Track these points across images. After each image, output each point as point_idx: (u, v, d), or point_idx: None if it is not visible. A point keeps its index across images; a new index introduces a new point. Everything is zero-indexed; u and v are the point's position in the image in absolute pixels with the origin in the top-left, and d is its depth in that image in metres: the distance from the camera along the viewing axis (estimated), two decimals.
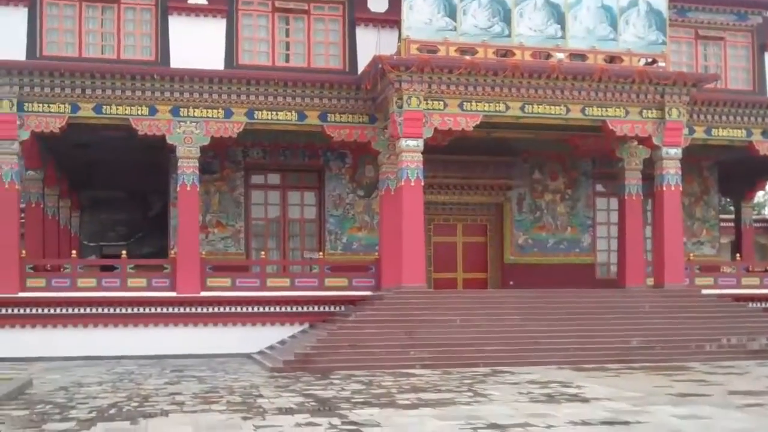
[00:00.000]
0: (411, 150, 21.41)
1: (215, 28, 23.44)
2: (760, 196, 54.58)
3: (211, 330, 22.30)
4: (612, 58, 22.67)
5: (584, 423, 10.70)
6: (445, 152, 24.28)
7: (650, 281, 24.08)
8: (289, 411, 11.89)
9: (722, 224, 31.08)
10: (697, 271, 25.30)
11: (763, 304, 24.97)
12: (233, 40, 23.54)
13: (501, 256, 26.62)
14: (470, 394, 13.68)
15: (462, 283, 26.22)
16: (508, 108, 22.04)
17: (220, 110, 22.21)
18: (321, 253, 24.28)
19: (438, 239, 26.27)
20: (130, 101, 21.72)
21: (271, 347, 21.68)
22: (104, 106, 21.62)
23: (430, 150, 22.22)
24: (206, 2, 23.49)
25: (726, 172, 29.69)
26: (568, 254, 27.03)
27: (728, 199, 37.00)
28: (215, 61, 23.21)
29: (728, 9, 26.38)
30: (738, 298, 24.24)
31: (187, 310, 22.15)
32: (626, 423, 10.68)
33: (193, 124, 22.07)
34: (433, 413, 11.59)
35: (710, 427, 10.36)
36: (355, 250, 25.17)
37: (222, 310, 22.36)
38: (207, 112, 22.18)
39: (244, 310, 22.45)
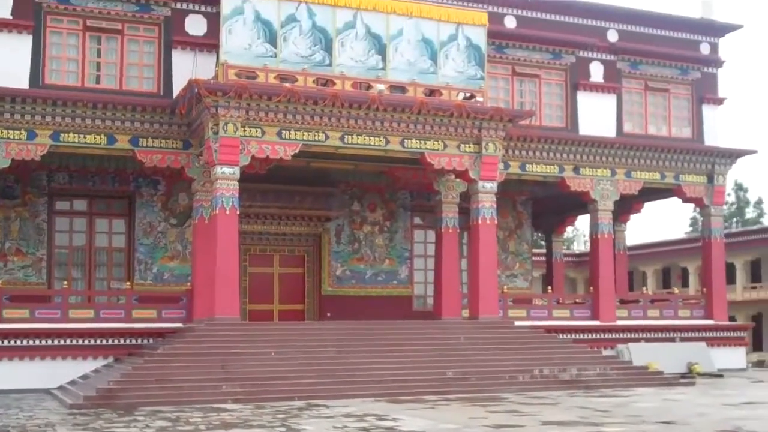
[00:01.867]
0: (226, 178, 20.98)
1: (20, 45, 22.17)
2: (569, 231, 56.96)
3: (6, 364, 20.98)
4: (432, 92, 22.93)
5: None
6: (263, 181, 24.07)
7: (466, 313, 24.31)
8: None
9: (534, 258, 31.91)
10: (511, 303, 25.69)
11: (573, 336, 25.58)
12: (39, 58, 22.33)
13: (319, 288, 26.51)
14: (283, 429, 13.22)
15: (278, 314, 25.94)
16: (327, 137, 21.95)
17: (22, 131, 21.18)
18: (129, 283, 23.44)
19: (254, 270, 25.94)
20: None
21: (72, 382, 20.56)
22: None
23: (246, 178, 21.89)
24: (10, 17, 22.18)
25: (539, 207, 30.60)
26: (386, 286, 27.15)
27: (540, 234, 38.11)
28: (19, 80, 21.93)
29: (544, 47, 27.17)
30: (549, 330, 24.72)
31: None
32: None
33: None
34: None
35: None
36: (167, 281, 24.49)
37: (19, 343, 21.10)
38: (8, 133, 21.10)
39: (44, 342, 21.29)
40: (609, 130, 27.71)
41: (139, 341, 21.87)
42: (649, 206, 32.33)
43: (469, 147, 23.20)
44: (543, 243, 37.52)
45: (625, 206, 29.82)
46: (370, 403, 17.13)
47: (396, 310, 25.93)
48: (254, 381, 18.46)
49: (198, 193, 22.46)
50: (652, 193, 28.81)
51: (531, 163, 25.68)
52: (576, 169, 26.10)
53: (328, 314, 25.80)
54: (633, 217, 32.10)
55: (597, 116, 27.71)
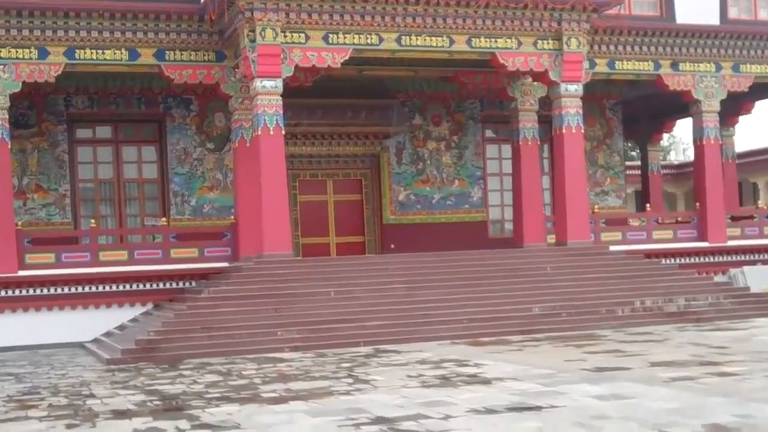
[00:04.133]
0: (268, 92, 20.83)
1: None
2: (666, 139, 55.95)
3: (34, 316, 21.21)
4: None
5: (488, 411, 10.16)
6: (309, 95, 24.01)
7: (551, 239, 24.18)
8: (125, 414, 11.00)
9: (627, 172, 31.69)
10: (603, 225, 25.52)
11: (678, 260, 25.26)
12: None
13: (380, 216, 26.54)
14: (350, 380, 13.08)
15: (335, 248, 26.06)
16: (382, 40, 21.71)
17: (32, 49, 21.02)
18: (165, 219, 23.57)
19: (305, 198, 26.02)
20: None
21: (107, 334, 20.76)
22: None
23: (291, 93, 21.74)
24: None
25: (631, 111, 30.31)
26: (457, 211, 27.14)
27: (633, 143, 37.54)
28: None
29: None
30: (649, 254, 24.53)
31: (2, 293, 20.85)
32: (538, 408, 10.19)
33: (0, 66, 20.72)
34: (305, 407, 10.89)
35: (636, 409, 9.93)
36: (207, 215, 24.73)
37: (46, 291, 21.30)
38: (16, 52, 20.94)
39: (74, 290, 21.47)
40: (712, 17, 26.79)
41: (181, 284, 22.02)
42: (760, 105, 31.57)
43: (548, 43, 22.90)
44: (636, 154, 36.98)
45: (733, 106, 29.11)
46: (447, 347, 16.97)
47: (470, 238, 25.86)
48: (313, 325, 18.46)
49: (236, 112, 22.36)
50: (764, 90, 28.07)
51: (621, 59, 25.19)
52: (674, 65, 25.53)
53: (392, 246, 25.88)
54: (742, 119, 31.44)
55: (697, 1, 26.80)
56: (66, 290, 21.38)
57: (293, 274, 20.35)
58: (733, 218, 27.34)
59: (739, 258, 26.00)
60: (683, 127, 77.08)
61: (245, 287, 19.74)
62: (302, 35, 21.08)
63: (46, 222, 23.49)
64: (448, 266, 21.56)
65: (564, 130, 23.30)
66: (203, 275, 21.93)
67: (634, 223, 26.86)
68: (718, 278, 24.97)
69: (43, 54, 21.00)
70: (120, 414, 11.02)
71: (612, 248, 23.84)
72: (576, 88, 23.27)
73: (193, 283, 21.91)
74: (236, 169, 22.88)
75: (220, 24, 21.61)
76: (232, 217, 23.11)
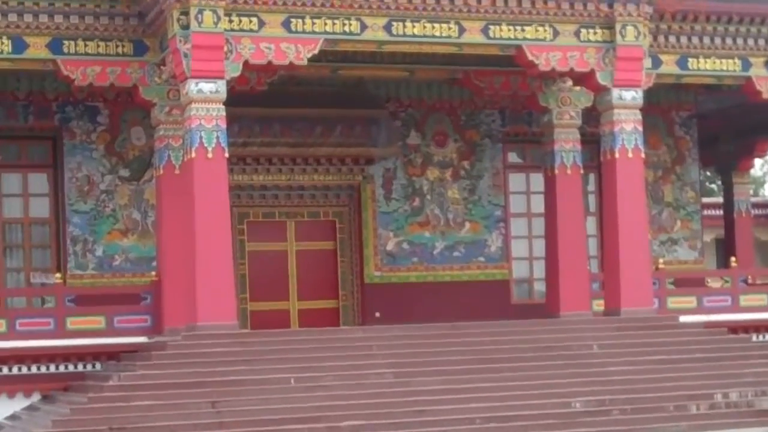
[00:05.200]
0: (206, 99, 20.81)
1: None
2: (759, 166, 56.06)
3: None
4: None
5: None
6: (264, 103, 24.20)
7: (599, 305, 24.22)
8: None
9: (705, 211, 31.56)
10: (671, 286, 25.59)
11: None
12: None
13: (360, 273, 26.68)
14: None
15: (298, 317, 26.21)
16: (365, 28, 21.81)
17: None
18: (59, 276, 23.54)
19: (256, 247, 26.17)
20: None
21: None
22: None
23: (238, 100, 21.91)
24: None
25: (710, 128, 30.43)
26: (468, 265, 27.28)
27: (712, 172, 37.59)
28: None
29: None
30: (735, 328, 24.48)
31: None
32: None
33: None
34: None
35: None
36: (119, 269, 24.84)
37: None
38: None
39: None
40: None
41: (80, 367, 21.97)
42: None
43: (595, 33, 23.01)
44: (717, 187, 37.04)
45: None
46: None
47: (485, 303, 25.86)
48: (266, 426, 18.36)
49: (161, 126, 22.40)
50: None
51: (696, 56, 25.34)
52: None
53: (377, 314, 25.93)
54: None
55: None
56: None
57: (238, 353, 20.21)
58: None
59: None
60: None
61: (170, 372, 19.55)
62: (255, 20, 21.10)
63: None
64: (454, 343, 21.46)
65: (617, 154, 23.29)
66: (112, 354, 21.82)
67: (714, 284, 26.94)
68: None
69: None
70: None
71: (683, 319, 23.77)
72: (634, 96, 23.31)
73: (98, 366, 21.85)
74: (160, 205, 22.85)
75: (140, 5, 21.71)
76: (154, 273, 23.02)
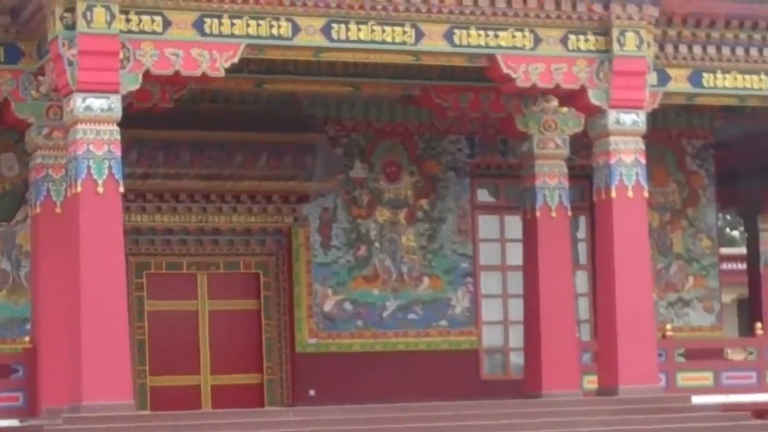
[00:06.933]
0: (96, 119, 20.60)
1: None
2: None
3: None
4: None
5: None
6: (170, 124, 24.26)
7: (590, 382, 24.40)
8: None
9: (723, 265, 31.56)
10: (681, 359, 25.64)
11: None
12: None
13: (291, 340, 26.73)
14: None
15: (211, 395, 26.26)
16: (297, 30, 21.79)
17: None
18: None
19: (158, 306, 26.22)
20: None
21: None
22: None
23: (137, 120, 21.97)
24: None
25: (728, 162, 30.41)
26: (427, 331, 27.44)
27: (733, 216, 37.71)
28: None
29: None
30: (762, 412, 24.59)
31: None
32: None
33: None
34: None
35: None
36: None
37: None
38: None
39: None
40: None
41: None
42: None
43: (587, 41, 23.11)
44: (740, 234, 37.15)
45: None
46: None
47: (449, 378, 26.10)
48: None
49: (39, 152, 22.31)
50: None
51: (712, 69, 25.32)
52: None
53: (312, 392, 25.98)
54: None
55: None
56: None
57: None
58: None
59: None
60: None
61: None
62: (158, 20, 21.00)
63: None
64: (407, 430, 21.40)
65: (614, 193, 23.30)
66: None
67: (735, 356, 27.00)
68: None
69: None
70: None
71: (696, 400, 23.76)
72: (635, 120, 23.38)
73: None
74: (36, 253, 22.76)
75: None
76: (27, 338, 22.92)
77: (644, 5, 23.04)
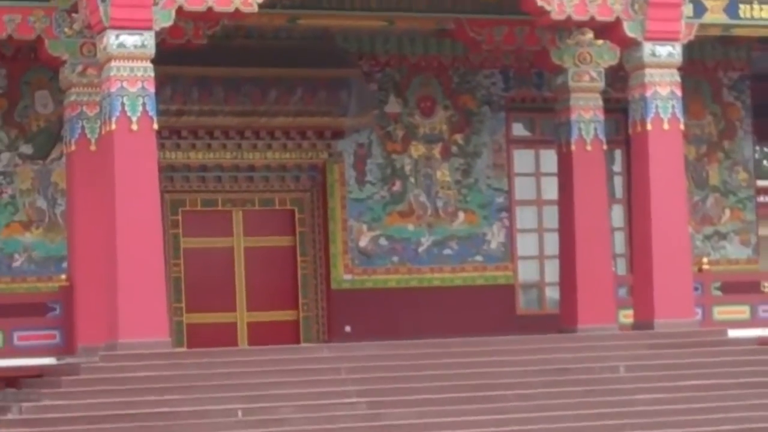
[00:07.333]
0: (129, 56, 20.74)
1: None
2: None
3: None
4: None
5: None
6: (204, 61, 24.25)
7: (626, 316, 24.38)
8: None
9: (761, 198, 31.47)
10: (718, 293, 25.60)
11: None
12: None
13: (326, 276, 26.78)
14: None
15: (247, 332, 26.28)
16: None
17: None
18: None
19: (193, 243, 26.32)
20: None
21: None
22: None
23: (171, 57, 21.99)
24: None
25: (765, 93, 30.19)
26: (462, 267, 27.48)
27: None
28: None
29: None
30: None
31: None
32: None
33: None
34: None
35: None
36: (19, 272, 24.85)
37: None
38: None
39: None
40: None
41: None
42: None
43: None
44: None
45: None
46: None
47: (484, 313, 26.11)
48: None
49: (73, 90, 22.37)
50: None
51: (749, 1, 25.35)
52: None
53: (347, 328, 26.05)
54: None
55: None
56: None
57: (171, 378, 20.17)
58: None
59: None
60: None
61: (85, 403, 19.41)
62: None
63: None
64: (444, 365, 21.41)
65: (650, 126, 23.34)
66: (10, 380, 21.81)
67: None
68: None
69: None
70: None
71: (733, 334, 23.79)
72: (671, 52, 23.38)
73: None
74: (71, 191, 22.85)
75: None
76: (64, 276, 23.01)
77: None
